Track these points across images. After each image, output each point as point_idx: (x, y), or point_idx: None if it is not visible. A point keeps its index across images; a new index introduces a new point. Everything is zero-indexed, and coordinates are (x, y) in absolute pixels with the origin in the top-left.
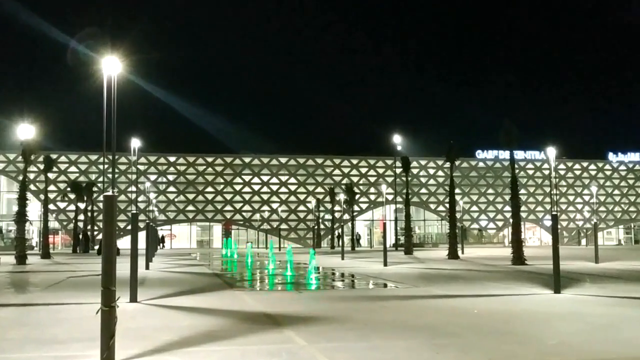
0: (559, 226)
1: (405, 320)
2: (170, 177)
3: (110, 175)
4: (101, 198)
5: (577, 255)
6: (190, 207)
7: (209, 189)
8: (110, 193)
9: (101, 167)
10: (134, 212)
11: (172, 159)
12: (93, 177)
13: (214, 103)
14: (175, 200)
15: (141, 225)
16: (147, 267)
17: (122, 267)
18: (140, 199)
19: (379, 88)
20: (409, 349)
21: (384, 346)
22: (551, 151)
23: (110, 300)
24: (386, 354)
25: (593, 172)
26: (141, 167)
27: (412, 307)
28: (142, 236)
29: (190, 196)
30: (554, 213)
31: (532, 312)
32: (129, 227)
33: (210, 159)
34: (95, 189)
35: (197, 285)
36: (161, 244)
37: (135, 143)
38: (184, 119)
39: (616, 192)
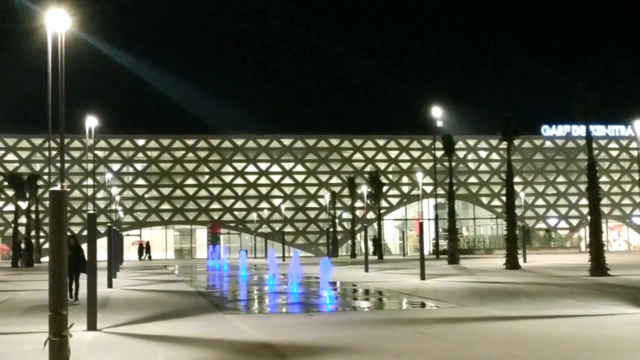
0: None
1: (449, 350)
2: (139, 167)
3: (59, 165)
4: (48, 194)
5: None
6: (166, 206)
7: (190, 181)
8: (59, 188)
9: (47, 154)
10: (91, 212)
11: (140, 142)
12: (37, 167)
13: (195, 70)
14: (146, 196)
15: (101, 229)
16: (109, 285)
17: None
18: (99, 195)
19: (412, 44)
20: None
21: None
22: None
23: (61, 328)
24: None
25: None
26: (100, 154)
27: (458, 334)
28: (102, 244)
29: (165, 191)
30: None
31: (616, 337)
32: (85, 232)
33: (190, 142)
34: (40, 182)
35: (175, 307)
36: (146, 255)
37: (92, 122)
38: (156, 92)
39: None
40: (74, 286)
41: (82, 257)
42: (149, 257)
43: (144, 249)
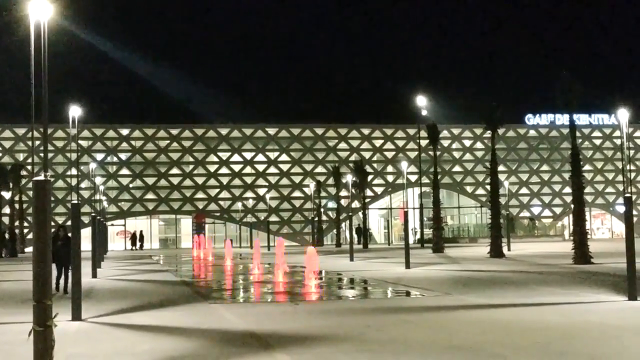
0: (635, 212)
1: (433, 338)
2: (123, 156)
3: (42, 155)
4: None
5: None
6: (150, 196)
7: (175, 170)
8: (42, 177)
9: (30, 143)
10: (75, 202)
11: (124, 131)
12: (20, 157)
13: (179, 59)
14: (130, 186)
15: (85, 219)
16: (94, 275)
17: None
18: (83, 185)
19: (397, 34)
20: None
21: None
22: (624, 114)
23: (45, 318)
24: None
25: None
26: (84, 143)
27: (442, 322)
28: (86, 234)
29: (150, 181)
30: (627, 195)
31: (599, 325)
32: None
33: (175, 132)
34: (23, 172)
35: (161, 297)
36: (138, 243)
37: (76, 111)
38: (140, 80)
39: None
40: (62, 279)
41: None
42: (141, 247)
43: (136, 238)
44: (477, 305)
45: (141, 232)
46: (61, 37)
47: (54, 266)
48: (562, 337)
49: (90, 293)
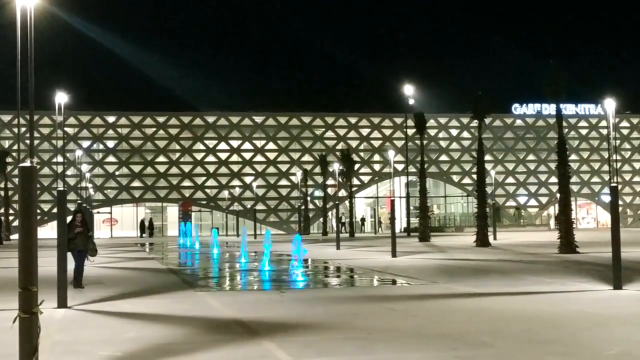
0: (620, 202)
1: (420, 326)
2: (110, 144)
3: (28, 141)
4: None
5: None
6: (136, 183)
7: (161, 158)
8: (28, 164)
9: (16, 130)
10: (61, 189)
11: (111, 119)
12: (6, 144)
13: (166, 46)
14: (117, 174)
15: (71, 207)
16: None
17: (48, 262)
18: (69, 172)
19: (385, 23)
20: None
21: None
22: (610, 104)
23: (31, 305)
24: None
25: None
26: (70, 131)
27: (428, 310)
28: None
29: (136, 168)
30: (613, 185)
31: (584, 313)
32: (55, 210)
33: (162, 119)
34: (9, 159)
35: (147, 284)
36: (148, 231)
37: (62, 98)
38: (127, 67)
39: None
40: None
41: (91, 236)
42: (150, 234)
43: (145, 226)
44: (464, 293)
45: (150, 219)
46: (47, 23)
47: (70, 255)
48: (548, 326)
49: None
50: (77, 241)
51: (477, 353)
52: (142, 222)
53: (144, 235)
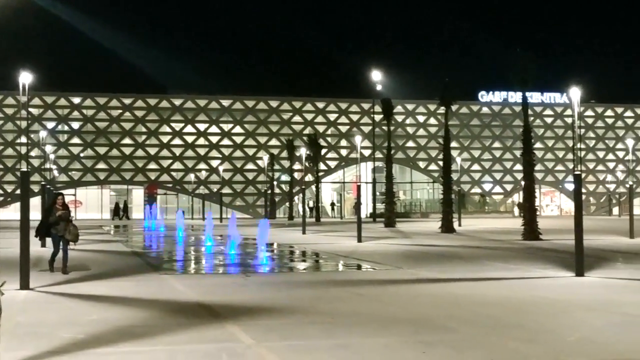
0: (584, 190)
1: (384, 311)
2: (75, 125)
3: None
4: None
5: (606, 228)
6: (102, 165)
7: (127, 140)
8: None
9: None
10: (24, 170)
11: (76, 100)
12: None
13: (133, 26)
14: (81, 155)
15: (35, 188)
16: (43, 244)
17: (9, 244)
18: (32, 153)
19: (353, 9)
20: (387, 347)
21: (355, 344)
22: (576, 93)
23: None
24: (358, 355)
25: (630, 121)
26: (34, 111)
27: (393, 295)
28: (35, 203)
29: (101, 150)
30: (577, 173)
31: (547, 300)
32: (18, 192)
33: (128, 101)
34: None
35: (111, 267)
36: (122, 214)
37: (26, 78)
38: (93, 47)
39: None
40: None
41: (71, 220)
42: (126, 217)
43: (119, 209)
44: (428, 279)
45: (125, 202)
46: (11, 0)
47: (49, 241)
48: (512, 311)
49: (39, 262)
50: (58, 226)
51: (441, 338)
52: (117, 204)
53: (118, 218)
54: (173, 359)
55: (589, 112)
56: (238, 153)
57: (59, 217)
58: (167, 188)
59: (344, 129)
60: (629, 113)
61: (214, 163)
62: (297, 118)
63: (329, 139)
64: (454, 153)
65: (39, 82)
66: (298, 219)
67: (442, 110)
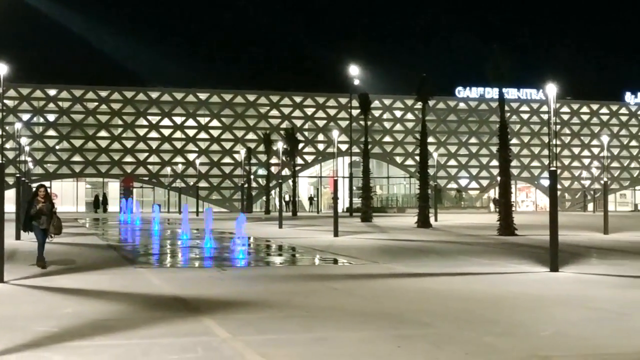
0: (559, 187)
1: (360, 305)
2: (50, 117)
3: None
4: None
5: (581, 223)
6: (77, 158)
7: (103, 133)
8: None
9: None
10: None
11: (52, 92)
12: None
13: (111, 17)
14: (57, 148)
15: (10, 180)
16: (17, 237)
17: None
18: (7, 145)
19: (331, 3)
20: (363, 341)
21: (332, 338)
22: (551, 89)
23: None
24: (334, 349)
25: (605, 118)
26: (9, 103)
27: (369, 289)
28: (10, 195)
29: (77, 143)
30: (552, 169)
31: (522, 295)
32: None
33: (104, 94)
34: None
35: (86, 260)
36: (103, 206)
37: (1, 69)
38: (69, 37)
39: (634, 142)
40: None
41: (55, 212)
42: (104, 210)
43: (99, 201)
44: (404, 273)
45: (104, 194)
46: None
47: (24, 234)
48: (487, 306)
49: (13, 255)
50: (39, 219)
51: (416, 332)
52: (97, 197)
53: (97, 210)
54: (148, 352)
55: (565, 109)
56: (215, 147)
57: (39, 210)
58: (143, 181)
59: (321, 123)
60: (604, 110)
61: (191, 156)
62: (274, 112)
63: (306, 133)
64: (431, 148)
65: (13, 74)
66: (275, 213)
67: (419, 105)
